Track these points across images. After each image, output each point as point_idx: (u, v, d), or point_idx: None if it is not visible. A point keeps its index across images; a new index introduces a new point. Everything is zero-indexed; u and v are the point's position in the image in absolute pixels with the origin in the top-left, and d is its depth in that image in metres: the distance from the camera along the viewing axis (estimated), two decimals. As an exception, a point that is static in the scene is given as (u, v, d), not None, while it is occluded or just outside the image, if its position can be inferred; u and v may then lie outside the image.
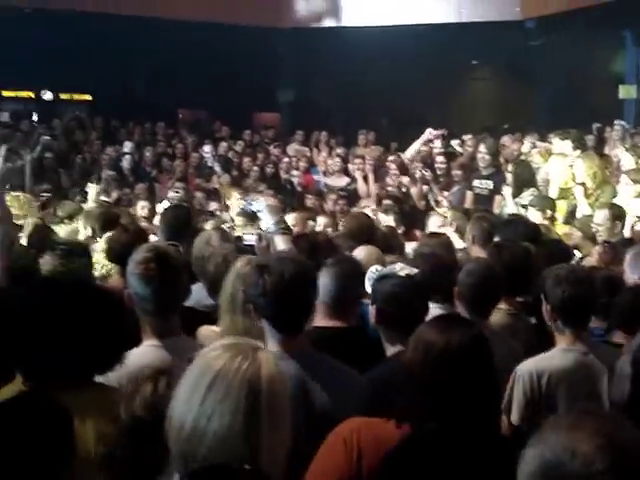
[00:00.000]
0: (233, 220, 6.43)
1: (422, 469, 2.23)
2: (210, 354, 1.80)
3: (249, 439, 1.71)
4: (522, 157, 9.44)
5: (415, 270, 3.31)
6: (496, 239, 5.10)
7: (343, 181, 10.08)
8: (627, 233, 6.27)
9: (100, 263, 4.83)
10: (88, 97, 18.20)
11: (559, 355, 3.43)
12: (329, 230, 6.23)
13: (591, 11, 12.63)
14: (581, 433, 1.40)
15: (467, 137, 10.75)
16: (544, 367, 3.37)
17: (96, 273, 4.74)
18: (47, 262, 4.34)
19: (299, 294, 2.78)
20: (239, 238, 4.70)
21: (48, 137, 10.59)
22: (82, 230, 6.08)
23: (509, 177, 8.04)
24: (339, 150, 11.67)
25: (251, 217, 4.99)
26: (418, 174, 8.85)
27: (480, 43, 15.07)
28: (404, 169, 9.46)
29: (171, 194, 8.45)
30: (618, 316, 3.92)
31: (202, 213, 7.48)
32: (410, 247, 5.56)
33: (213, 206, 8.27)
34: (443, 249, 4.63)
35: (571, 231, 6.65)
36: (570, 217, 7.63)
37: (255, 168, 10.84)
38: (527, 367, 3.38)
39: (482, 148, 8.66)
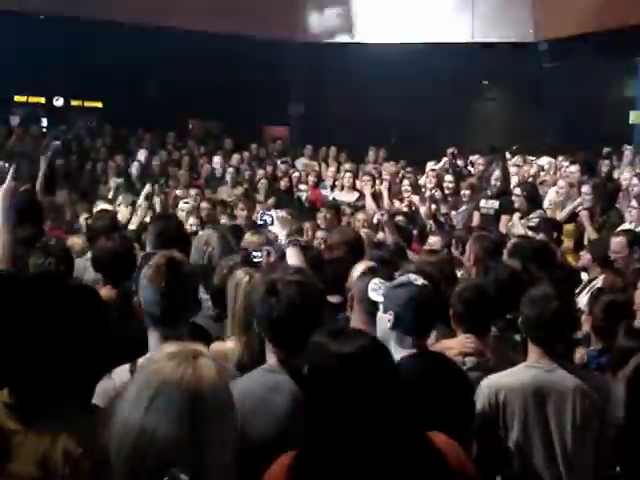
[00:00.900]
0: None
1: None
2: (153, 366, 1.80)
3: (196, 446, 1.71)
4: (530, 179, 9.45)
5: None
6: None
7: (353, 196, 10.07)
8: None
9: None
10: (99, 104, 18.28)
11: (520, 372, 3.45)
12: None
13: (602, 37, 12.65)
14: None
15: (474, 157, 10.76)
16: (502, 383, 3.40)
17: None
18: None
19: (306, 319, 2.80)
20: (245, 250, 4.70)
21: (59, 142, 10.60)
22: None
23: (516, 199, 8.03)
24: (347, 165, 11.65)
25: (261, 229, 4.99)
26: (427, 193, 8.85)
27: (492, 63, 15.11)
28: (417, 188, 9.47)
29: (181, 204, 8.46)
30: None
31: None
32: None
33: (222, 218, 8.24)
34: (444, 266, 4.65)
35: (580, 253, 6.67)
36: (579, 239, 7.62)
37: (263, 181, 10.82)
38: (487, 382, 3.42)
39: (497, 172, 8.69)
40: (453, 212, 8.75)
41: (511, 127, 16.52)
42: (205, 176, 11.42)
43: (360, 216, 8.10)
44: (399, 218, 7.85)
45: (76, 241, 5.91)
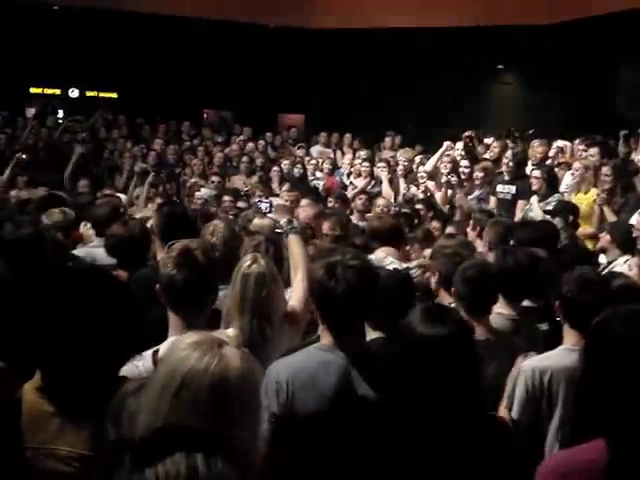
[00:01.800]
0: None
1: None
2: (177, 355, 1.78)
3: (222, 437, 1.69)
4: (548, 162, 9.38)
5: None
6: (511, 243, 5.13)
7: (369, 183, 10.04)
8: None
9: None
10: (114, 95, 18.34)
11: (562, 354, 3.49)
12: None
13: (619, 17, 12.56)
14: None
15: (489, 140, 10.66)
16: (547, 365, 3.44)
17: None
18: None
19: (362, 303, 2.97)
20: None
21: (83, 149, 10.69)
22: None
23: (535, 181, 7.95)
24: (363, 152, 11.64)
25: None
26: (443, 179, 8.82)
27: (506, 46, 15.02)
28: (433, 173, 9.45)
29: (204, 190, 8.49)
30: None
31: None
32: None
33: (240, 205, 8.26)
34: (463, 248, 4.65)
35: (600, 234, 6.60)
36: (599, 221, 7.55)
37: (275, 168, 10.80)
38: (530, 364, 3.46)
39: (508, 154, 8.62)
40: (468, 197, 8.69)
41: (528, 111, 16.39)
42: (218, 164, 11.41)
43: (380, 201, 8.15)
44: (419, 206, 7.87)
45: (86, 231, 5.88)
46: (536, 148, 9.28)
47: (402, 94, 15.70)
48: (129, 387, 2.05)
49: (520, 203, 8.15)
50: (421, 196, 8.90)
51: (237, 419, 1.74)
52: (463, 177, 8.99)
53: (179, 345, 1.82)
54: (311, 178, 10.79)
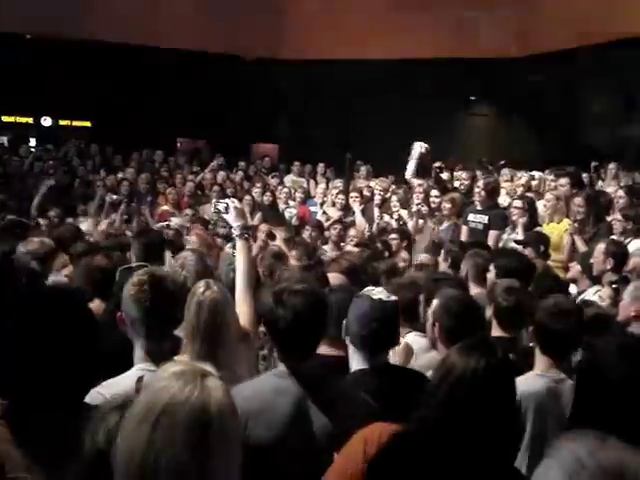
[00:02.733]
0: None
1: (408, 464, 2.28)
2: (158, 384, 1.76)
3: (201, 470, 1.67)
4: (520, 189, 9.45)
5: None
6: (491, 269, 5.14)
7: (341, 213, 10.07)
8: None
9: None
10: (87, 124, 18.29)
11: (532, 380, 3.52)
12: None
13: (589, 50, 12.78)
14: None
15: (458, 173, 10.71)
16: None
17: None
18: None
19: (312, 327, 2.91)
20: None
21: (52, 182, 10.63)
22: None
23: (514, 212, 7.98)
24: (337, 182, 11.66)
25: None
26: (414, 208, 8.86)
27: (479, 78, 15.20)
28: (406, 203, 9.49)
29: (175, 220, 8.46)
30: None
31: None
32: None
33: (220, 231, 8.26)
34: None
35: (570, 265, 6.65)
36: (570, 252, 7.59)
37: (247, 197, 10.77)
38: None
39: (480, 184, 8.65)
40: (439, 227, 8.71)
41: (498, 141, 16.57)
42: (189, 194, 11.37)
43: (352, 232, 8.23)
44: (393, 236, 7.91)
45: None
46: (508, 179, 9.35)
47: (372, 123, 15.81)
48: (112, 403, 2.05)
49: (492, 233, 8.17)
50: (394, 225, 8.93)
51: (215, 450, 1.71)
52: (433, 206, 9.02)
53: (162, 374, 1.80)
54: (283, 207, 10.78)
